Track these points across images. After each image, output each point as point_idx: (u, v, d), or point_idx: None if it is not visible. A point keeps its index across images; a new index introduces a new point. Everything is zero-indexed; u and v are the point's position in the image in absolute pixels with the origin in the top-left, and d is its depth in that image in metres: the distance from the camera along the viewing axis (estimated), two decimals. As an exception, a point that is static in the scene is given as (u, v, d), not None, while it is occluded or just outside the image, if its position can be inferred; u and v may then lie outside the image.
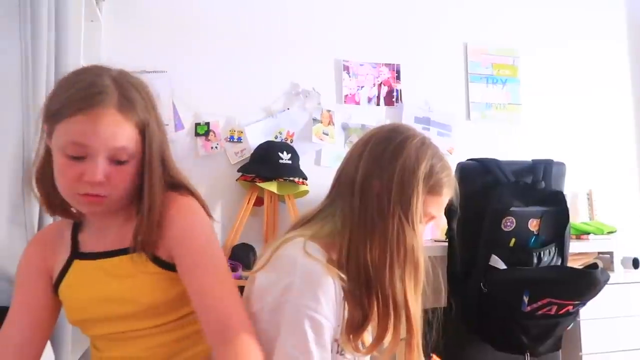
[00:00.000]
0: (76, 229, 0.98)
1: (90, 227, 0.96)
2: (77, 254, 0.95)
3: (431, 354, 0.88)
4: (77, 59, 1.53)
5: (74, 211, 0.96)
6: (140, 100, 0.87)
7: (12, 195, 1.20)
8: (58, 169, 0.85)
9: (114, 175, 0.84)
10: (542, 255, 1.59)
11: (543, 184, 1.64)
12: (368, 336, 0.87)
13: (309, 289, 0.80)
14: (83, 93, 0.83)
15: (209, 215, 0.96)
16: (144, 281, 0.89)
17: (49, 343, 1.17)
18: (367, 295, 0.84)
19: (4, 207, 1.19)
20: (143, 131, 0.87)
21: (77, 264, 0.94)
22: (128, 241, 0.89)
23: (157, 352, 0.91)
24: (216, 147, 2.18)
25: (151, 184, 0.87)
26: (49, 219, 1.33)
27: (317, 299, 0.80)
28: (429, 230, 2.06)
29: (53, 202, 0.92)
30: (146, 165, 0.87)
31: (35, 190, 0.93)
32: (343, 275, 0.83)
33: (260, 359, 0.80)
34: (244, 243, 2.03)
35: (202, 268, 0.87)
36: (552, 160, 1.70)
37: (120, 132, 0.83)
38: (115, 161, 0.84)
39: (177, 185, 0.94)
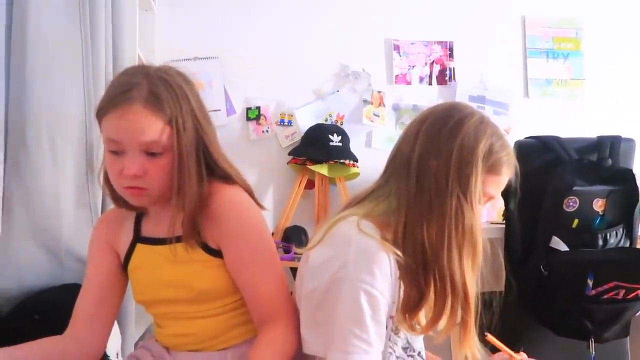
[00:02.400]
0: (139, 214, 1.03)
1: (150, 214, 1.01)
2: (139, 238, 1.00)
3: (486, 333, 0.86)
4: (133, 48, 1.59)
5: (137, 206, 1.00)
6: (171, 95, 0.89)
7: (77, 178, 1.27)
8: (107, 165, 0.92)
9: (150, 167, 0.88)
10: (608, 237, 1.50)
11: (610, 162, 1.54)
12: (422, 316, 0.86)
13: (364, 264, 0.80)
14: (115, 92, 0.88)
15: (259, 205, 0.99)
16: (195, 268, 0.93)
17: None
18: (423, 275, 0.83)
19: (70, 190, 1.25)
20: (174, 124, 0.89)
21: (140, 247, 0.99)
22: (181, 230, 0.92)
23: (212, 328, 0.96)
24: (267, 131, 2.20)
25: (181, 177, 0.89)
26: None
27: (372, 274, 0.80)
28: (486, 212, 2.00)
29: (116, 194, 0.97)
30: (176, 160, 0.89)
31: (105, 187, 0.99)
32: (399, 252, 0.83)
33: (292, 346, 0.87)
34: (295, 225, 2.06)
35: (253, 264, 0.91)
36: (619, 136, 1.59)
37: (147, 127, 0.86)
38: (150, 153, 0.87)
39: (224, 176, 0.96)
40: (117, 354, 1.21)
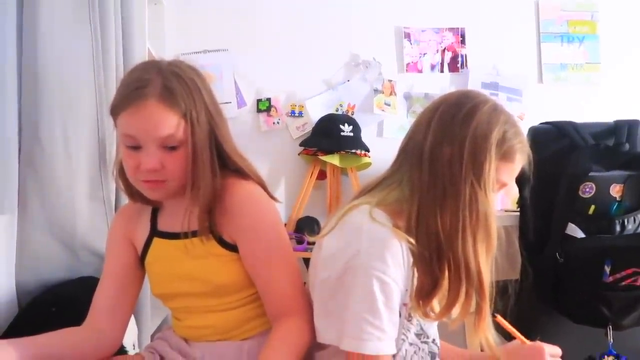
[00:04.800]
0: (155, 208, 1.04)
1: (166, 208, 1.01)
2: (156, 232, 1.01)
3: (495, 314, 0.85)
4: (143, 41, 1.59)
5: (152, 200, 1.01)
6: (184, 89, 0.89)
7: (90, 172, 1.28)
8: (123, 160, 0.92)
9: (168, 160, 0.88)
10: (625, 222, 1.47)
11: (627, 146, 1.51)
12: (436, 303, 0.86)
13: (376, 252, 0.80)
14: (129, 89, 0.89)
15: (272, 198, 0.99)
16: (212, 262, 0.94)
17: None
18: (437, 262, 0.83)
19: (84, 184, 1.27)
20: (189, 118, 0.89)
21: (157, 241, 1.00)
22: (197, 224, 0.93)
23: (229, 320, 0.96)
24: (278, 123, 2.20)
25: (196, 171, 0.90)
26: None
27: (385, 261, 0.80)
28: (499, 200, 1.98)
29: (131, 188, 0.98)
30: (190, 154, 0.89)
31: (119, 182, 1.00)
32: (411, 240, 0.82)
33: (306, 340, 0.88)
34: (308, 216, 2.06)
35: (268, 259, 0.92)
36: (637, 120, 1.56)
37: (162, 122, 0.87)
38: (168, 147, 0.88)
39: (237, 169, 0.97)
40: (134, 346, 1.23)
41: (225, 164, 0.95)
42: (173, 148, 0.88)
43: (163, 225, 1.00)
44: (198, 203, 0.90)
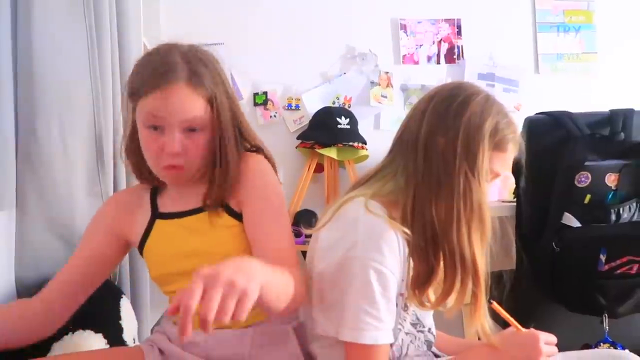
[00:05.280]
0: (154, 192, 1.05)
1: (170, 191, 1.03)
2: (157, 214, 1.02)
3: (491, 301, 0.87)
4: (139, 35, 1.59)
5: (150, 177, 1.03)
6: (208, 74, 0.93)
7: (88, 167, 1.28)
8: (143, 143, 0.94)
9: (189, 145, 0.91)
10: (621, 211, 1.48)
11: (622, 136, 1.51)
12: (431, 292, 0.87)
13: (372, 243, 0.81)
14: (156, 72, 0.90)
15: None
16: (219, 235, 0.95)
17: (129, 304, 1.26)
18: (433, 251, 0.85)
19: (82, 180, 1.27)
20: (212, 102, 0.93)
21: (159, 223, 1.01)
22: (203, 201, 0.96)
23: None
24: (275, 116, 2.20)
25: (225, 152, 0.94)
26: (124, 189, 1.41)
27: (381, 252, 0.81)
28: (497, 191, 1.99)
29: (141, 169, 1.01)
30: (217, 137, 0.93)
31: (126, 159, 1.03)
32: (407, 230, 0.84)
33: (295, 288, 0.83)
34: (306, 209, 2.06)
35: (270, 220, 0.93)
36: (632, 110, 1.56)
37: (190, 105, 0.90)
38: (189, 129, 0.91)
39: (255, 148, 1.02)
40: (134, 340, 1.23)
41: (242, 143, 1.00)
42: (193, 131, 0.91)
43: (165, 207, 1.02)
44: (225, 181, 0.93)
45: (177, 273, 0.98)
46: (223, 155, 0.94)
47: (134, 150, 1.00)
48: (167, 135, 0.90)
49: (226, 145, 0.94)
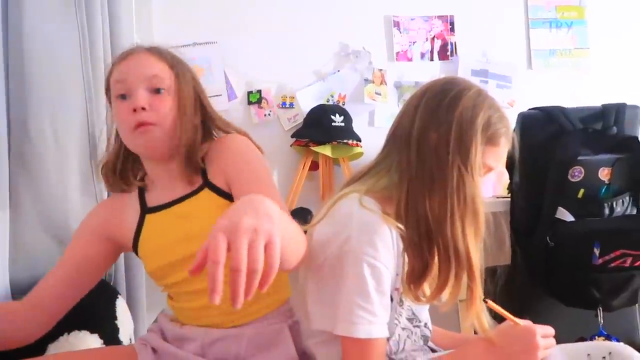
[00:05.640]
0: (142, 192, 1.05)
1: (155, 186, 1.04)
2: (147, 209, 1.02)
3: (485, 300, 0.87)
4: (131, 35, 1.58)
5: (134, 181, 1.05)
6: (169, 52, 1.01)
7: (81, 167, 1.28)
8: (116, 116, 0.98)
9: (155, 103, 0.94)
10: (614, 205, 1.49)
11: (615, 130, 1.52)
12: (426, 287, 0.87)
13: (366, 237, 0.81)
14: (120, 54, 1.01)
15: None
16: (211, 215, 0.93)
17: (125, 304, 1.26)
18: (427, 245, 0.85)
19: (75, 180, 1.26)
20: (174, 71, 0.98)
21: (150, 217, 1.02)
22: (191, 186, 0.98)
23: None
24: (269, 114, 2.19)
25: (180, 121, 0.96)
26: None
27: (375, 246, 0.81)
28: (491, 187, 1.99)
29: (116, 181, 1.05)
30: (181, 101, 0.97)
31: (104, 177, 1.06)
32: (400, 225, 0.84)
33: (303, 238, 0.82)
34: (301, 207, 2.06)
35: (255, 182, 0.94)
36: (624, 104, 1.57)
37: (151, 64, 0.96)
38: (154, 90, 0.95)
39: (225, 131, 1.04)
40: (130, 339, 1.23)
41: (212, 127, 1.02)
42: (160, 91, 0.95)
43: (153, 201, 1.03)
44: (184, 147, 0.96)
45: (175, 262, 0.97)
46: (183, 124, 0.96)
47: (109, 169, 1.04)
48: (132, 97, 0.94)
49: (182, 114, 0.96)
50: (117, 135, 1.03)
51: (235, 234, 0.55)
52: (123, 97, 0.95)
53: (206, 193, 0.97)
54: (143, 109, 0.92)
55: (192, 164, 0.97)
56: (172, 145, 0.96)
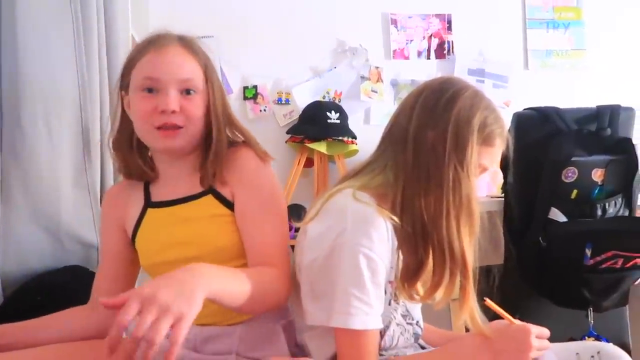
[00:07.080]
0: (147, 182, 1.04)
1: (162, 179, 1.02)
2: (150, 203, 1.01)
3: (485, 299, 0.87)
4: (126, 25, 1.57)
5: (149, 172, 1.01)
6: (199, 46, 0.96)
7: (74, 159, 1.27)
8: (135, 106, 0.93)
9: (186, 105, 0.91)
10: (607, 206, 1.50)
11: (609, 131, 1.53)
12: (420, 286, 0.87)
13: (361, 229, 0.82)
14: (149, 39, 0.94)
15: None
16: (211, 224, 0.94)
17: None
18: (422, 244, 0.85)
19: (68, 172, 1.25)
20: (205, 70, 0.94)
21: (151, 212, 1.00)
22: (197, 188, 0.96)
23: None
24: (265, 110, 2.19)
25: (212, 120, 0.94)
26: (110, 182, 1.40)
27: (370, 238, 0.81)
28: (485, 186, 2.00)
29: (129, 165, 1.00)
30: (207, 105, 0.93)
31: (115, 156, 1.01)
32: (395, 218, 0.84)
33: (277, 291, 0.87)
34: (295, 204, 2.06)
35: (260, 212, 0.93)
36: (619, 106, 1.58)
37: (185, 64, 0.92)
38: (185, 91, 0.91)
39: (244, 138, 1.01)
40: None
41: (232, 131, 0.99)
42: (189, 93, 0.91)
43: (158, 196, 1.01)
44: (209, 155, 0.93)
45: (168, 262, 0.96)
46: (215, 124, 0.93)
47: (121, 146, 0.99)
48: (162, 95, 0.89)
49: (213, 115, 0.93)
50: (123, 113, 0.99)
51: (148, 306, 0.62)
52: (149, 90, 0.90)
53: (209, 199, 0.95)
54: (173, 112, 0.90)
55: (216, 163, 0.94)
56: (194, 144, 0.95)
